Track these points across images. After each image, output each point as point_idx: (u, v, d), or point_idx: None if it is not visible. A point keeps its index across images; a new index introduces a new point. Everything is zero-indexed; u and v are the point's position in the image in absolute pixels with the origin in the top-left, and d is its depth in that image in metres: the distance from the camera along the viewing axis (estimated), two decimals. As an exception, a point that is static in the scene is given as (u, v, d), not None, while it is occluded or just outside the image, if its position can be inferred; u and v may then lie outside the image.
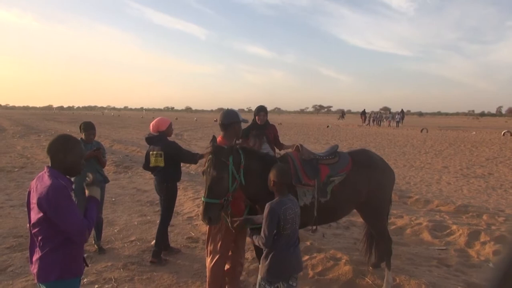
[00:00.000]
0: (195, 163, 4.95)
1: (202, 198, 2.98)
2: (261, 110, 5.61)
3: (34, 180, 2.40)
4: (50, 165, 2.40)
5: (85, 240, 2.37)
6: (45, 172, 2.38)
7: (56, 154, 2.38)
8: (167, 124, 4.87)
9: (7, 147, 16.63)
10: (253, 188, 3.22)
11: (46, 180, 2.29)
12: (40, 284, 2.37)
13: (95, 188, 2.57)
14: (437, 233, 5.68)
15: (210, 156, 3.03)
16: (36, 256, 2.33)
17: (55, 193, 2.22)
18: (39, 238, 2.30)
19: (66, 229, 2.25)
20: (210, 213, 2.92)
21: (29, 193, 2.42)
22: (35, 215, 2.29)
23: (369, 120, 43.35)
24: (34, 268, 2.36)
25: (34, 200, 2.31)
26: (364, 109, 46.78)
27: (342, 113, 58.10)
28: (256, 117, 5.59)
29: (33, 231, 2.33)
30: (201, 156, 4.76)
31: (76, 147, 2.45)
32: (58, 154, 2.38)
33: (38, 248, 2.32)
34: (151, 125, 4.84)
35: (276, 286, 2.87)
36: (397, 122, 38.47)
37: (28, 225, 2.40)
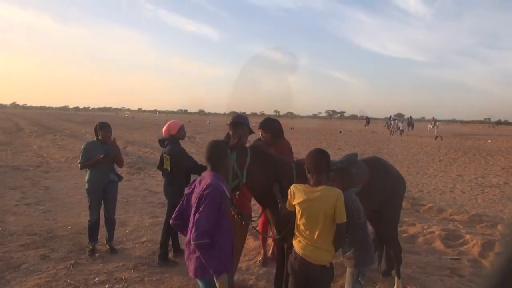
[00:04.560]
0: (199, 174, 4.60)
1: None
2: (261, 126, 4.33)
3: (197, 182, 2.65)
4: (210, 169, 2.63)
5: (196, 243, 2.34)
6: (208, 175, 2.60)
7: (217, 160, 2.63)
8: (178, 128, 4.77)
9: (23, 146, 16.99)
10: (258, 189, 3.24)
11: (208, 179, 2.52)
12: (197, 280, 2.54)
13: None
14: (450, 242, 5.59)
15: None
16: (195, 254, 2.46)
17: (212, 191, 2.41)
18: None
19: (196, 223, 2.37)
20: None
21: (189, 194, 2.64)
22: (194, 213, 2.47)
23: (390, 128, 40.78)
24: (190, 264, 2.51)
25: (194, 198, 2.51)
26: (391, 115, 43.73)
27: (367, 119, 55.65)
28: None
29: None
30: (205, 168, 4.75)
31: (228, 152, 2.74)
32: (218, 159, 2.63)
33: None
34: (163, 129, 4.83)
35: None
36: (401, 131, 34.57)
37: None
